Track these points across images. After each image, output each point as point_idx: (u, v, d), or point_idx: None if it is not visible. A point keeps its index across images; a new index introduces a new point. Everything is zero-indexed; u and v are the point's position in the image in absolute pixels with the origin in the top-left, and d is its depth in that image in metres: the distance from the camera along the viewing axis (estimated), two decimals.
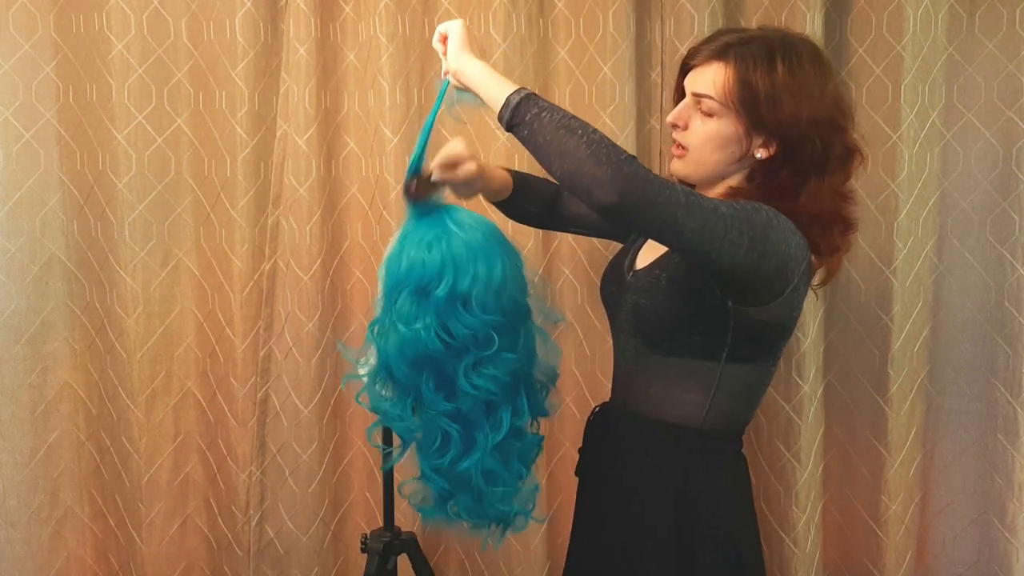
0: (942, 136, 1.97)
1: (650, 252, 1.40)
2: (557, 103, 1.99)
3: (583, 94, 2.00)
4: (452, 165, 1.36)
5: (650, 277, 1.34)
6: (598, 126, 1.95)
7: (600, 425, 1.48)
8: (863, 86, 1.96)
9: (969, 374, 2.02)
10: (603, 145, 1.15)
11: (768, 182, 1.29)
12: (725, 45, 1.29)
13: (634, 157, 1.16)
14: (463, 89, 1.32)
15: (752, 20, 1.97)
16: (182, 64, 2.01)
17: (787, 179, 1.27)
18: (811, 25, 1.90)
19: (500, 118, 1.24)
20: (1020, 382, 1.94)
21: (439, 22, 2.00)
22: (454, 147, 1.37)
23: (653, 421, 1.35)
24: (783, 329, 1.33)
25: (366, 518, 2.18)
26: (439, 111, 1.34)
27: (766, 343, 1.33)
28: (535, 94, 1.23)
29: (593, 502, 1.45)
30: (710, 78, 1.29)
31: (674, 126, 1.35)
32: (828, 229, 1.30)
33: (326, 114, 2.02)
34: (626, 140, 1.97)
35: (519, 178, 1.57)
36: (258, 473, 2.08)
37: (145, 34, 1.97)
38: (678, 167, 1.36)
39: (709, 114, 1.30)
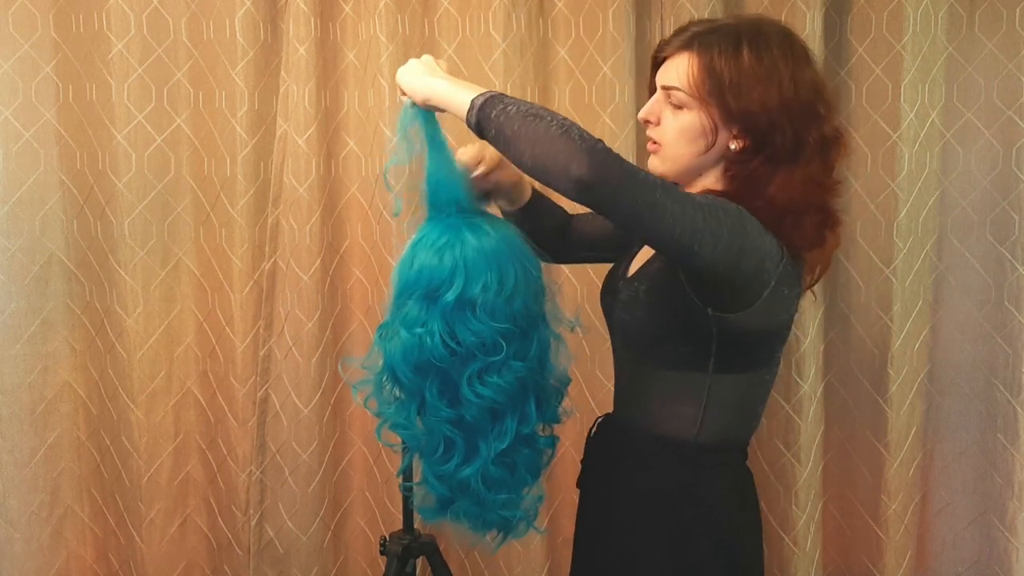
0: (942, 135, 1.97)
1: (637, 262, 1.37)
2: (557, 103, 2.02)
3: (583, 94, 2.00)
4: (476, 163, 1.36)
5: (630, 290, 1.32)
6: (598, 126, 1.99)
7: (600, 438, 1.46)
8: (863, 85, 1.96)
9: (969, 374, 2.02)
10: (575, 127, 1.12)
11: (740, 174, 1.25)
12: (692, 36, 1.26)
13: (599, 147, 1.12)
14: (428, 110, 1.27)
15: None
16: (182, 64, 2.01)
17: (758, 169, 1.23)
18: (811, 24, 1.90)
19: (468, 122, 1.20)
20: (1020, 382, 1.94)
21: (439, 22, 2.01)
22: (463, 152, 1.36)
23: (649, 435, 1.32)
24: (771, 336, 1.29)
25: (366, 518, 2.18)
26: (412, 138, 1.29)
27: (755, 352, 1.29)
28: (501, 93, 1.19)
29: (592, 516, 1.44)
30: (676, 70, 1.26)
31: (647, 122, 1.31)
32: (799, 221, 1.23)
33: (326, 114, 2.02)
34: (626, 140, 1.97)
35: (536, 191, 1.53)
36: (258, 473, 2.09)
37: (145, 33, 1.97)
38: (655, 164, 1.32)
39: (679, 106, 1.26)
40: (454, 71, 2.06)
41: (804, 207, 1.23)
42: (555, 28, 2.01)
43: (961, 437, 2.04)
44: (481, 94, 1.19)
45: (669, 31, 1.96)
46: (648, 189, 1.11)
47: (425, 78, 1.25)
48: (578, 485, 1.49)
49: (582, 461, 1.49)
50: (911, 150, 1.93)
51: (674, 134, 1.27)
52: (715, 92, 1.22)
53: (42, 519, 2.10)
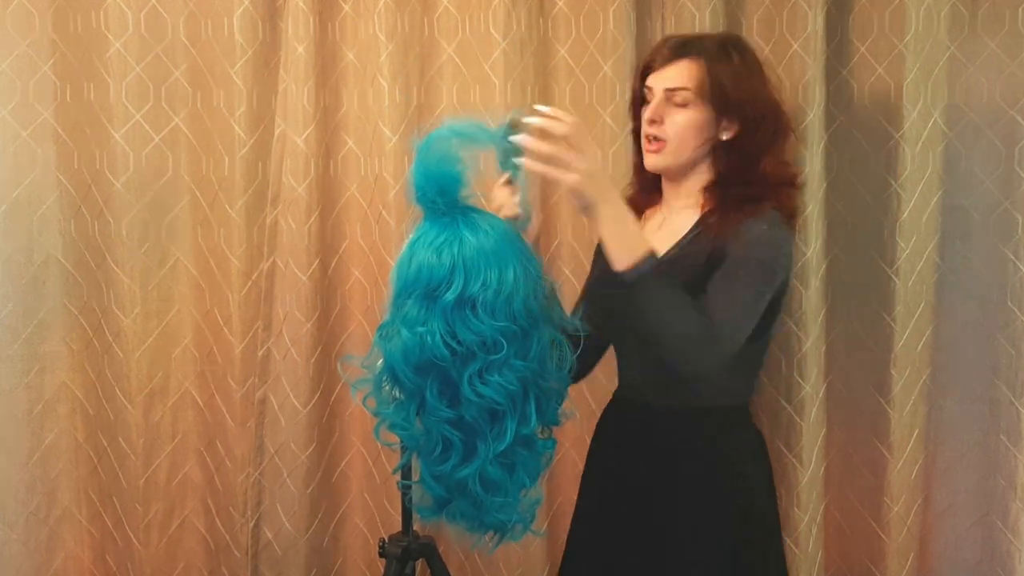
0: (944, 135, 1.96)
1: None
2: (557, 102, 2.01)
3: (583, 93, 1.99)
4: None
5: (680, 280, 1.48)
6: (598, 125, 1.97)
7: (626, 423, 1.58)
8: (865, 85, 1.95)
9: (972, 375, 2.01)
10: (700, 336, 1.31)
11: (734, 158, 1.46)
12: (682, 45, 1.48)
13: (714, 328, 1.33)
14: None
15: (752, 19, 1.96)
16: (180, 63, 2.01)
17: (752, 151, 1.45)
18: (813, 23, 1.89)
19: (624, 275, 1.29)
20: (1023, 383, 1.93)
21: (439, 21, 2.00)
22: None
23: (700, 410, 1.50)
24: (783, 304, 1.54)
25: (365, 519, 2.17)
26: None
27: (774, 317, 1.51)
28: (656, 267, 1.31)
29: (630, 501, 1.52)
30: (679, 73, 1.46)
31: (652, 122, 1.48)
32: (793, 191, 1.50)
33: (325, 113, 2.01)
34: (626, 140, 1.96)
35: None
36: (256, 474, 2.08)
37: (143, 32, 1.97)
38: (656, 160, 1.50)
39: (684, 104, 1.45)
40: (454, 71, 2.07)
41: (793, 180, 1.51)
42: (555, 27, 2.00)
43: (964, 438, 2.03)
44: (645, 256, 1.30)
45: (670, 30, 1.97)
46: (732, 348, 1.36)
47: (603, 195, 1.28)
48: (595, 475, 1.62)
49: (597, 451, 1.62)
50: (913, 150, 1.92)
51: (680, 129, 1.46)
52: (717, 88, 1.43)
53: (39, 520, 2.09)
